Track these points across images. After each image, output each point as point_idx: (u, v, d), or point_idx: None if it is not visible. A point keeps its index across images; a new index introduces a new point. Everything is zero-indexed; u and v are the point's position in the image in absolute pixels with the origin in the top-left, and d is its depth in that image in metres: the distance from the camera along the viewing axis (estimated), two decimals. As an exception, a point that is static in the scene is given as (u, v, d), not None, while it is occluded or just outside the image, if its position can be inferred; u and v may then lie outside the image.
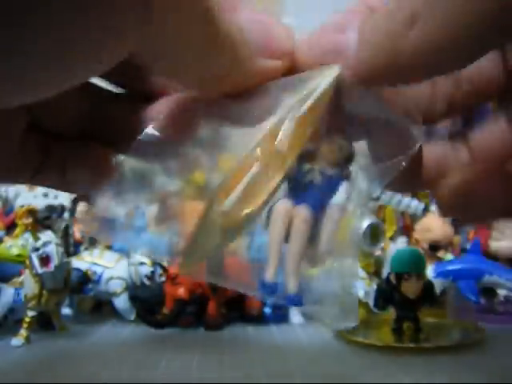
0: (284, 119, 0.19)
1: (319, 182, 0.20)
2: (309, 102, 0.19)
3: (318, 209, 0.20)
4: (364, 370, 0.45)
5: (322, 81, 0.19)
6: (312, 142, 0.21)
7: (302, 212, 0.20)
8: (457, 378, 0.44)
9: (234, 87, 0.19)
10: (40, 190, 0.91)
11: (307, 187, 0.20)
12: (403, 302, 0.54)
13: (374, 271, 0.69)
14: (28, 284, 0.54)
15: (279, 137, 0.19)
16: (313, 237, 0.19)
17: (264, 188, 0.19)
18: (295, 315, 0.64)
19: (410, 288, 0.53)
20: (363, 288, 0.63)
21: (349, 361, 0.48)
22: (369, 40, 0.17)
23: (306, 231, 0.19)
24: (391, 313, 0.57)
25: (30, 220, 0.66)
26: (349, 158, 0.21)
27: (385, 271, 0.68)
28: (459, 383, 0.43)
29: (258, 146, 0.19)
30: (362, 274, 0.64)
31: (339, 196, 0.20)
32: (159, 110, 0.22)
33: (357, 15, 0.18)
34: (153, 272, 0.63)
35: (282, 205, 0.20)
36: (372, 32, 0.17)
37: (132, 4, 0.14)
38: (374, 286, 0.61)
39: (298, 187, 0.20)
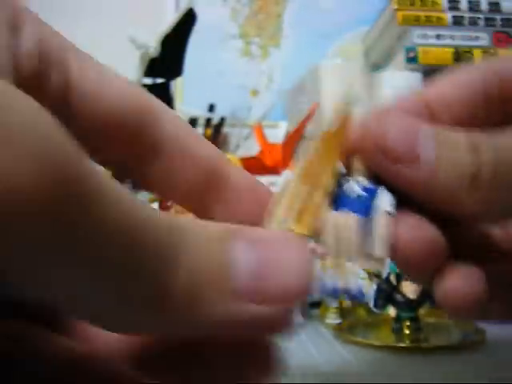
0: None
1: (358, 191, 0.21)
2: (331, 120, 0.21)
3: (364, 215, 0.20)
4: (364, 370, 0.45)
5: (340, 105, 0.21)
6: (343, 160, 0.21)
7: (350, 218, 0.20)
8: (457, 378, 0.44)
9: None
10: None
11: (348, 198, 0.21)
12: (403, 301, 0.54)
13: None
14: (28, 284, 0.54)
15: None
16: (365, 242, 0.20)
17: (309, 206, 0.20)
18: (295, 315, 0.64)
19: (410, 288, 0.53)
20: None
21: (349, 361, 0.48)
22: (447, 162, 0.18)
23: (357, 234, 0.20)
24: (391, 313, 0.56)
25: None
26: None
27: (385, 271, 0.68)
28: (459, 383, 0.43)
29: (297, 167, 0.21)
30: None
31: (382, 203, 0.21)
32: None
33: (424, 123, 0.19)
34: (153, 272, 0.62)
35: (331, 214, 0.20)
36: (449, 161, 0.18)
37: None
38: (374, 286, 0.61)
39: (339, 199, 0.21)
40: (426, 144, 0.18)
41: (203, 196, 0.21)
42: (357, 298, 0.20)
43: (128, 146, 0.20)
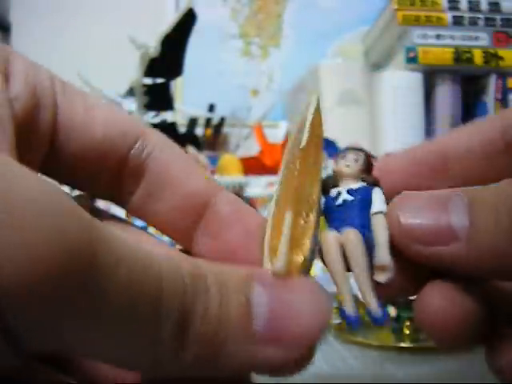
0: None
1: (351, 199, 0.20)
2: (305, 134, 0.20)
3: (363, 224, 0.19)
4: (364, 370, 0.45)
5: (309, 109, 0.20)
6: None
7: (351, 234, 0.19)
8: (457, 378, 0.44)
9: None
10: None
11: (343, 210, 0.20)
12: (403, 301, 0.54)
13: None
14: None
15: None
16: (369, 252, 0.19)
17: (305, 231, 0.19)
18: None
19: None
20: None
21: (349, 361, 0.48)
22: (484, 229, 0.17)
23: (363, 251, 0.19)
24: (391, 313, 0.56)
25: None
26: (367, 166, 0.21)
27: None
28: (459, 383, 0.43)
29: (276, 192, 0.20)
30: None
31: (378, 203, 0.20)
32: None
33: (456, 197, 0.18)
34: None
35: (330, 235, 0.19)
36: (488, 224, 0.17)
37: None
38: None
39: (334, 215, 0.20)
40: (458, 217, 0.17)
41: (187, 225, 0.21)
42: (381, 322, 0.19)
43: (114, 173, 0.21)
